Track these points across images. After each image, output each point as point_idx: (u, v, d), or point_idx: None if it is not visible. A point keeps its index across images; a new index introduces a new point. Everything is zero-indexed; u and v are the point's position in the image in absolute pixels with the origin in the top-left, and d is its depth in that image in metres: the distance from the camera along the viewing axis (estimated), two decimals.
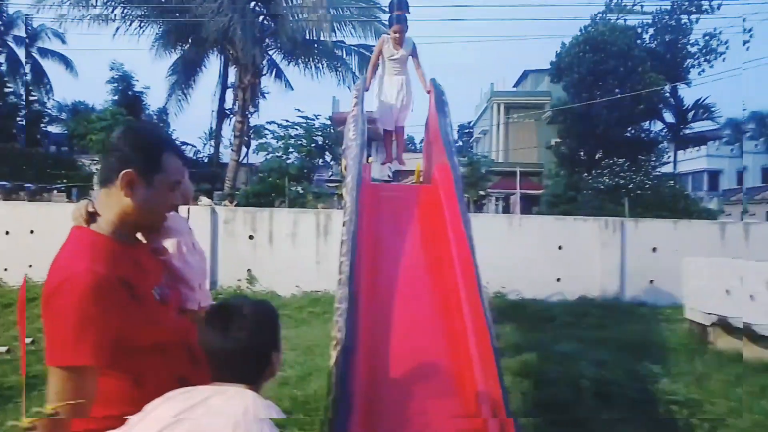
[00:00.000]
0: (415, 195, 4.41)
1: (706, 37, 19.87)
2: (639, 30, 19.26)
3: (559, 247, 7.97)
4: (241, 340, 1.14)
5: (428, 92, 5.04)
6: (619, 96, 16.39)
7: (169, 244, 1.62)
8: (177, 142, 1.78)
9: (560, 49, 19.03)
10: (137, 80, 18.62)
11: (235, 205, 10.38)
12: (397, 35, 4.99)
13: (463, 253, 3.17)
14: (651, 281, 7.73)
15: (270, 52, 17.24)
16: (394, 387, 2.40)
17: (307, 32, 15.38)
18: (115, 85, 17.97)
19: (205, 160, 19.25)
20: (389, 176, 5.75)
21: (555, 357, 4.83)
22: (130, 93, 18.15)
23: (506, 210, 22.13)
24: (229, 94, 18.01)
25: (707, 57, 19.87)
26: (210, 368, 1.17)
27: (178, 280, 1.56)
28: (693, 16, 19.13)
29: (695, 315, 5.51)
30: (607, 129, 16.91)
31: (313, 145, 15.03)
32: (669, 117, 22.38)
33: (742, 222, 10.65)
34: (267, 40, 16.42)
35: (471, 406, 2.37)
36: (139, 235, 1.41)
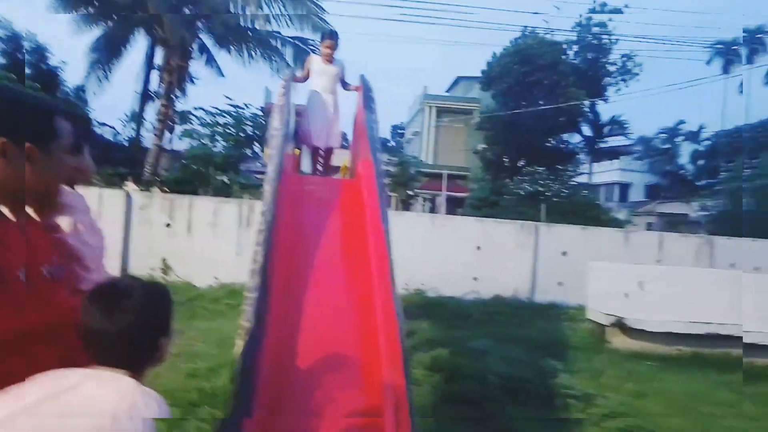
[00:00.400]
0: (337, 189, 4.43)
1: (624, 58, 21.35)
2: (564, 46, 20.34)
3: (478, 248, 8.27)
4: (125, 321, 1.06)
5: (357, 89, 5.07)
6: (543, 107, 17.23)
7: (65, 221, 1.54)
8: (67, 107, 1.70)
9: (492, 58, 19.75)
10: (52, 54, 17.26)
11: (164, 192, 9.93)
12: (329, 50, 5.00)
13: (379, 248, 3.22)
14: (560, 283, 8.18)
15: (201, 36, 16.60)
16: (299, 378, 2.40)
17: (241, 19, 14.94)
18: (2, 46, 16.27)
19: (125, 144, 18.21)
20: (319, 170, 5.71)
21: (467, 353, 5.00)
22: (44, 66, 16.79)
23: (433, 210, 22.64)
24: (155, 77, 17.15)
25: (624, 77, 21.36)
26: (90, 351, 1.08)
27: (73, 259, 1.48)
28: (612, 38, 20.48)
29: (596, 316, 5.93)
30: (531, 138, 17.74)
31: (241, 134, 14.64)
32: (587, 130, 23.84)
33: (645, 231, 11.52)
34: (198, 23, 15.80)
35: (375, 399, 2.42)
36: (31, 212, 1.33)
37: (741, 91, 24.94)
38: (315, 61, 5.11)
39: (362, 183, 4.19)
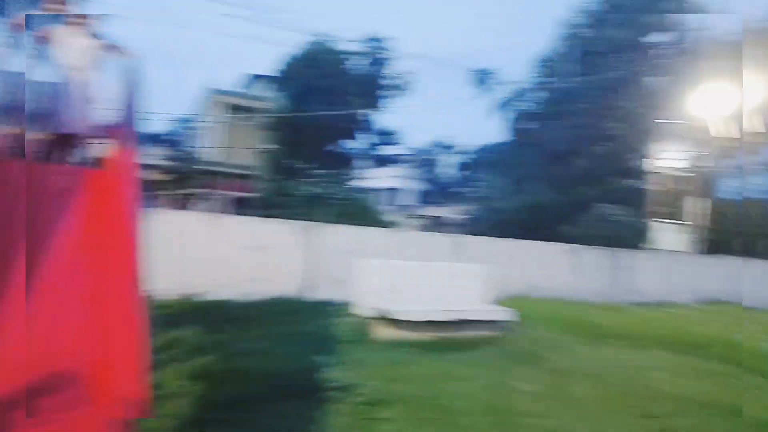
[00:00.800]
0: (85, 180, 3.90)
1: (400, 73, 23.39)
2: (349, 56, 21.45)
3: (257, 248, 8.18)
4: None
5: (117, 52, 4.54)
6: (326, 113, 17.90)
7: None
8: None
9: (287, 59, 19.85)
10: None
11: None
12: (81, 21, 4.39)
13: (126, 247, 2.92)
14: (335, 280, 8.54)
15: None
16: (16, 399, 2.03)
17: None
18: None
19: None
20: (67, 158, 4.94)
21: (236, 356, 4.89)
22: None
23: (217, 210, 21.71)
24: None
25: (398, 91, 23.38)
26: None
27: None
28: (391, 54, 22.30)
29: (362, 309, 6.37)
30: (316, 141, 18.30)
31: None
32: (367, 138, 25.51)
33: (412, 231, 12.80)
34: None
35: (111, 412, 2.19)
36: None
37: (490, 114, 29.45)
38: (64, 32, 4.41)
39: (116, 175, 3.77)
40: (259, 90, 28.20)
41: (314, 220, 9.80)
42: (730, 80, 16.56)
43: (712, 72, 17.10)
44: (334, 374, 4.60)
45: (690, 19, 21.80)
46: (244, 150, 24.05)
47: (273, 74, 20.02)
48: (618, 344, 7.21)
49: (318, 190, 13.93)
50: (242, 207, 20.55)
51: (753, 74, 18.30)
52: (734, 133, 16.90)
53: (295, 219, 9.45)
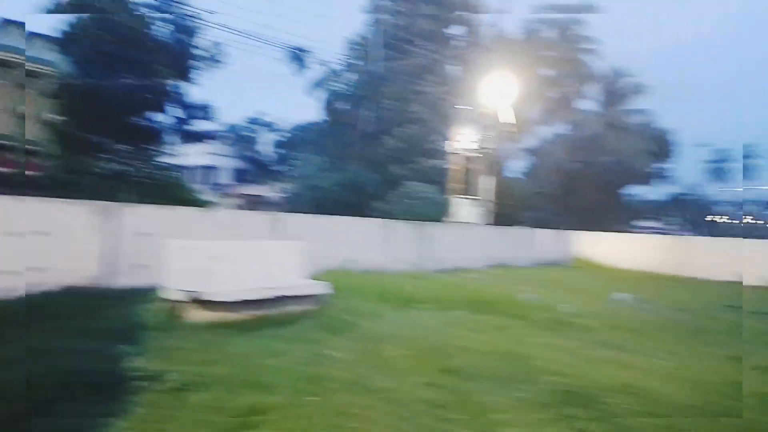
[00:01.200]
0: None
1: (212, 45, 21.93)
2: (151, 21, 19.41)
3: (41, 233, 7.12)
4: None
5: None
6: (126, 82, 16.09)
7: None
8: None
9: (74, 18, 17.13)
10: None
11: None
12: None
13: None
14: (142, 265, 7.88)
15: None
16: None
17: None
18: None
19: None
20: None
21: (18, 357, 4.26)
22: None
23: None
24: None
25: (211, 63, 21.96)
26: None
27: None
28: (198, 23, 20.68)
29: (173, 293, 6.01)
30: (115, 113, 16.33)
31: None
32: (176, 112, 23.51)
33: (228, 210, 12.35)
34: None
35: None
36: None
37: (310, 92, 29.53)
38: None
39: None
40: (36, 50, 23.98)
41: (114, 201, 8.85)
42: (511, 72, 19.12)
43: (498, 64, 19.54)
44: (140, 364, 4.30)
45: (481, 16, 24.54)
46: (16, 118, 20.32)
47: (55, 35, 17.20)
48: (424, 308, 8.00)
49: (119, 167, 12.54)
50: (19, 186, 17.51)
51: (527, 69, 21.40)
52: (512, 119, 19.60)
53: (91, 199, 8.42)
